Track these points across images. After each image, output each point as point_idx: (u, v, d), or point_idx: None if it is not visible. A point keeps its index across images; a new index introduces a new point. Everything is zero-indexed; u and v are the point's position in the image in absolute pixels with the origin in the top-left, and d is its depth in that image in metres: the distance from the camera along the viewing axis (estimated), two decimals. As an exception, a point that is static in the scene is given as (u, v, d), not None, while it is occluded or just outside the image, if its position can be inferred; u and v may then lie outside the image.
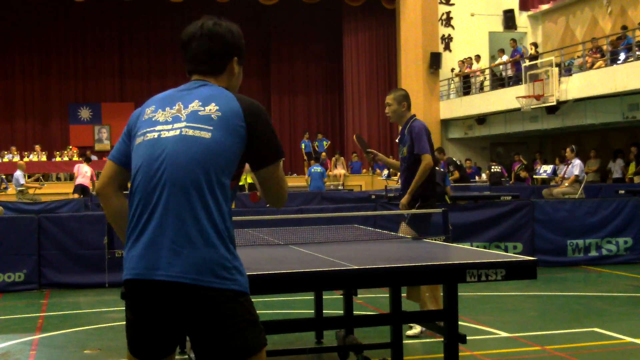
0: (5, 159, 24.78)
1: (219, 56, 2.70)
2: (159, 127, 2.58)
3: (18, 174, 18.30)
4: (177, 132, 2.55)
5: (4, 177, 21.06)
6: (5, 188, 20.18)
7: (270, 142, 2.61)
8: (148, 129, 2.60)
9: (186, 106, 2.59)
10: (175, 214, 2.47)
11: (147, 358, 2.57)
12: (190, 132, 2.53)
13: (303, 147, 26.25)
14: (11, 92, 28.07)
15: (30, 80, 28.18)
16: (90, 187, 16.84)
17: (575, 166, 14.00)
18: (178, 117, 2.58)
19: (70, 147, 26.51)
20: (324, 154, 25.54)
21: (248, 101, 2.60)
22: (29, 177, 20.42)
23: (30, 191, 18.63)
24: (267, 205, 2.68)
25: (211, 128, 2.52)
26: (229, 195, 2.55)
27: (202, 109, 2.57)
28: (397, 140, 6.30)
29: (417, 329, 5.90)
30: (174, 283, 2.43)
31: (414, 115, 6.23)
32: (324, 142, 26.09)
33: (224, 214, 2.51)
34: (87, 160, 17.99)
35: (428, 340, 5.84)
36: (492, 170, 20.30)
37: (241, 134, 2.55)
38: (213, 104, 2.57)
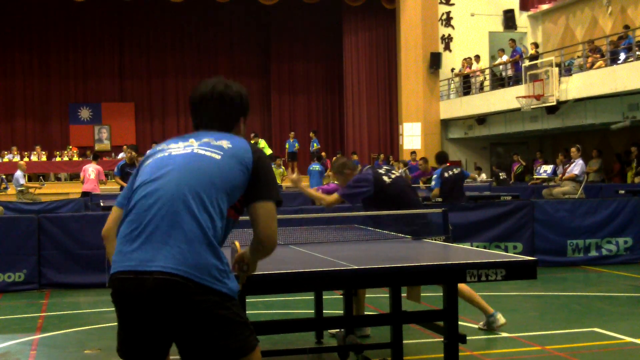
0: (5, 159, 24.79)
1: (229, 117, 2.87)
2: (169, 150, 2.74)
3: (18, 174, 18.28)
4: (189, 150, 2.70)
5: (4, 177, 21.06)
6: (6, 188, 20.18)
7: (272, 182, 2.74)
8: (159, 153, 2.76)
9: (198, 140, 2.75)
10: (175, 216, 2.54)
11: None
12: (202, 152, 2.68)
13: (287, 146, 26.14)
14: (11, 92, 28.07)
15: (30, 80, 28.19)
16: (99, 189, 16.34)
17: (577, 165, 13.99)
18: (190, 145, 2.74)
19: (70, 147, 26.52)
20: (323, 153, 25.52)
21: (255, 146, 2.81)
22: (29, 179, 20.37)
23: (31, 191, 18.61)
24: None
25: (222, 154, 2.67)
26: (225, 215, 2.63)
27: (215, 141, 2.73)
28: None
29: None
30: (167, 275, 2.46)
31: (364, 169, 6.15)
32: (314, 144, 26.07)
33: (218, 224, 2.59)
34: (95, 158, 17.35)
35: (428, 340, 5.84)
36: (500, 177, 20.47)
37: (248, 167, 2.67)
38: (225, 140, 2.73)
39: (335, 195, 6.05)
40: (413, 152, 22.92)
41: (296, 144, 25.95)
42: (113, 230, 2.81)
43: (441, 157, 11.65)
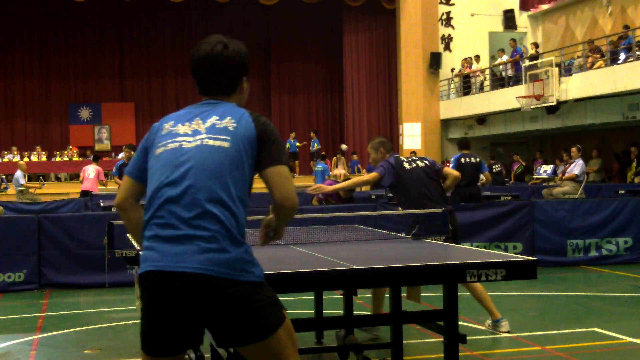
0: (6, 159, 24.78)
1: (230, 79, 2.88)
2: (179, 139, 2.78)
3: (18, 174, 18.28)
4: (199, 142, 2.74)
5: (4, 177, 21.06)
6: (6, 188, 20.18)
7: (279, 146, 2.81)
8: (169, 140, 2.79)
9: (205, 121, 2.79)
10: (200, 219, 2.65)
11: (163, 354, 2.71)
12: (211, 142, 2.74)
13: (287, 146, 26.21)
14: (11, 92, 28.06)
15: (30, 80, 28.18)
16: (97, 189, 16.42)
17: (577, 166, 13.99)
18: (198, 130, 2.78)
19: (70, 147, 26.51)
20: (323, 153, 25.52)
21: (256, 114, 2.85)
22: (29, 179, 20.49)
23: (31, 191, 18.61)
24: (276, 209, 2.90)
25: (230, 138, 2.73)
26: (247, 202, 2.76)
27: (220, 122, 2.77)
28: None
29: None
30: (197, 275, 2.59)
31: (392, 155, 6.24)
32: (315, 144, 26.07)
33: (240, 216, 2.71)
34: (95, 159, 17.50)
35: (428, 340, 5.84)
36: (493, 170, 20.23)
37: (253, 143, 2.75)
38: (229, 118, 2.78)
39: (374, 173, 6.17)
40: (413, 152, 22.91)
41: (297, 144, 25.96)
42: (128, 201, 2.88)
43: (462, 143, 11.59)
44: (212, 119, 2.79)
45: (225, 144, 2.73)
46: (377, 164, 6.22)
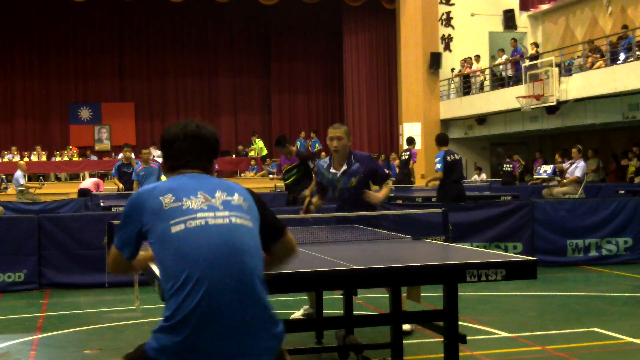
0: (5, 159, 24.79)
1: (209, 157, 2.87)
2: (200, 215, 2.61)
3: (18, 174, 18.29)
4: (227, 220, 2.64)
5: (4, 177, 21.06)
6: (6, 188, 20.19)
7: (276, 218, 2.91)
8: (187, 217, 2.60)
9: (212, 195, 2.68)
10: (246, 300, 2.58)
11: None
12: (239, 221, 2.67)
13: (298, 144, 26.24)
14: (11, 92, 28.08)
15: (30, 80, 28.19)
16: (94, 191, 16.54)
17: (579, 168, 14.00)
18: (213, 206, 2.65)
19: (70, 147, 26.52)
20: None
21: (249, 189, 2.86)
22: (29, 179, 20.55)
23: (31, 191, 18.62)
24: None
25: (248, 217, 2.71)
26: None
27: (230, 198, 2.71)
28: (335, 173, 6.17)
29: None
30: None
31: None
32: (316, 145, 26.09)
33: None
34: (101, 178, 18.07)
35: (428, 340, 5.84)
36: (505, 169, 20.33)
37: (258, 218, 2.78)
38: (236, 194, 2.74)
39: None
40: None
41: (308, 143, 26.07)
42: (120, 271, 2.93)
43: (443, 139, 11.06)
44: (219, 194, 2.69)
45: (249, 224, 2.69)
46: (345, 149, 6.06)
